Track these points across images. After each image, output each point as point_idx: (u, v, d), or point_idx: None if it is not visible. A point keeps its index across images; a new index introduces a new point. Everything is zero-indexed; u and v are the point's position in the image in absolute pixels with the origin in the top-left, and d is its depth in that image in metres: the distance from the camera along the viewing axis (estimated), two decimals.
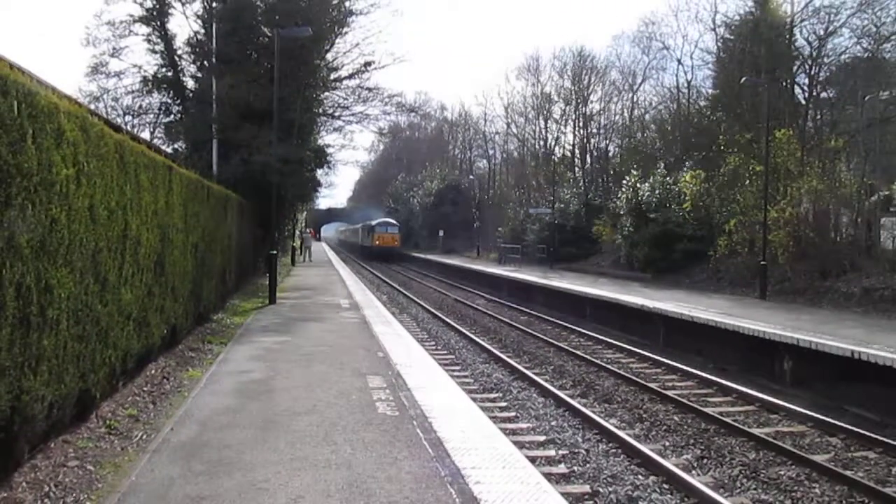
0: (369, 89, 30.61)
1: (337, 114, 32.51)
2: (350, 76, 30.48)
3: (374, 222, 65.94)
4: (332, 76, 30.60)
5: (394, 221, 66.70)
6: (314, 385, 8.44)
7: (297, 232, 48.39)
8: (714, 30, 37.45)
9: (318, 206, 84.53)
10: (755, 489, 7.83)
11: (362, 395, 7.93)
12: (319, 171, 32.25)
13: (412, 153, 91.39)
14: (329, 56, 29.69)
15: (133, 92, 26.89)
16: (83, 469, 5.53)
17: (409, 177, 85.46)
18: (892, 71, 28.69)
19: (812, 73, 30.06)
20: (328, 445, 6.05)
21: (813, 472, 8.28)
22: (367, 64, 29.18)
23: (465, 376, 13.50)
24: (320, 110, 31.31)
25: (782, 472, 8.30)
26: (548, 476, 6.50)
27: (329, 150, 32.64)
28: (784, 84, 30.32)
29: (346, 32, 29.14)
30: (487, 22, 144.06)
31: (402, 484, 5.13)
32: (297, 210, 42.20)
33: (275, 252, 19.18)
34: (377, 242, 62.32)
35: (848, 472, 8.22)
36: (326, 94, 31.21)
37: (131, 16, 25.04)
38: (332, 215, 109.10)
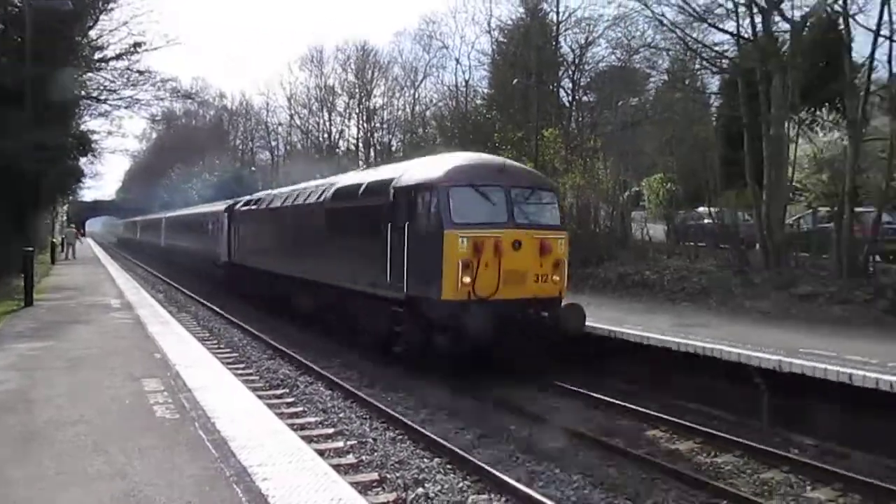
0: (140, 72, 28.48)
1: (103, 97, 29.94)
2: (117, 57, 28.12)
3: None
4: (97, 56, 28.13)
5: (548, 181, 15.20)
6: (81, 393, 7.78)
7: (58, 227, 43.88)
8: (489, 32, 39.47)
9: (83, 199, 77.25)
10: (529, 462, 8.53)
11: (137, 400, 7.44)
12: (83, 160, 29.73)
13: (189, 142, 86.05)
14: (93, 33, 27.29)
15: None
16: None
17: (186, 167, 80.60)
18: (640, 80, 32.20)
19: (575, 78, 32.80)
20: (99, 455, 5.63)
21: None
22: (137, 45, 27.10)
23: (251, 374, 13.18)
24: (83, 93, 28.61)
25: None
26: (336, 467, 6.57)
27: (94, 137, 30.21)
28: (551, 87, 32.76)
29: (111, 9, 26.87)
30: (269, 10, 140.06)
31: (184, 489, 4.92)
32: (58, 203, 38.31)
33: (31, 249, 17.29)
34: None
35: (604, 438, 9.27)
36: (90, 75, 28.60)
37: None
38: (99, 208, 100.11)
